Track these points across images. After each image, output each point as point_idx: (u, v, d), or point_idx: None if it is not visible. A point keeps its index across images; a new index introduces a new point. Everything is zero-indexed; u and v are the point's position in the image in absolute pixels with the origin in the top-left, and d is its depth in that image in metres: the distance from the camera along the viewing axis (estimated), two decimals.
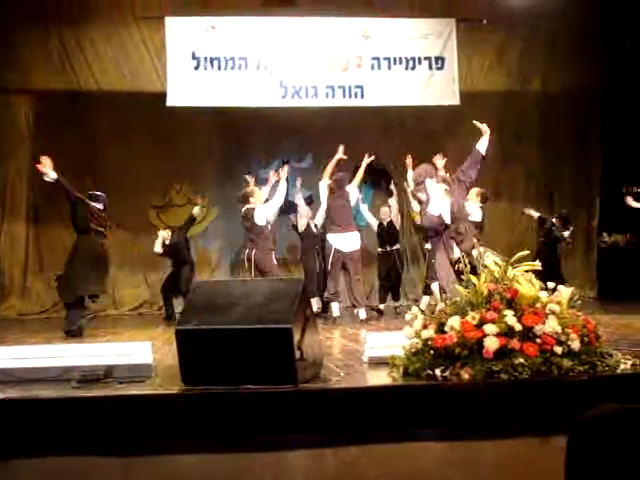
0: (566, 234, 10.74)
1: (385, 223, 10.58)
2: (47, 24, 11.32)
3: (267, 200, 9.09)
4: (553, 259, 10.50)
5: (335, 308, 9.14)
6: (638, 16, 11.19)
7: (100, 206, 8.20)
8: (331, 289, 9.27)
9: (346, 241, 9.13)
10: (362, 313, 9.02)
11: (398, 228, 10.83)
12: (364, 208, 10.72)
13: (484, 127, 8.15)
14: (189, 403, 3.73)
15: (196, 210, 10.47)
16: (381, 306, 10.51)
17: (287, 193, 9.61)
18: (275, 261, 8.98)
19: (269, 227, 9.00)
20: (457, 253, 7.89)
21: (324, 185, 9.41)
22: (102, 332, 8.06)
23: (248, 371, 3.77)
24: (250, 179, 9.99)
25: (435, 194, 8.47)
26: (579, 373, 3.82)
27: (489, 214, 9.86)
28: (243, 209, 9.07)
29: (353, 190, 9.48)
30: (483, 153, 8.18)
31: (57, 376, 4.15)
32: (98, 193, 8.40)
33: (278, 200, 9.08)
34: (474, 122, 8.38)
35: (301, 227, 10.40)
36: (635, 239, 9.64)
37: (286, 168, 9.39)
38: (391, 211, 10.62)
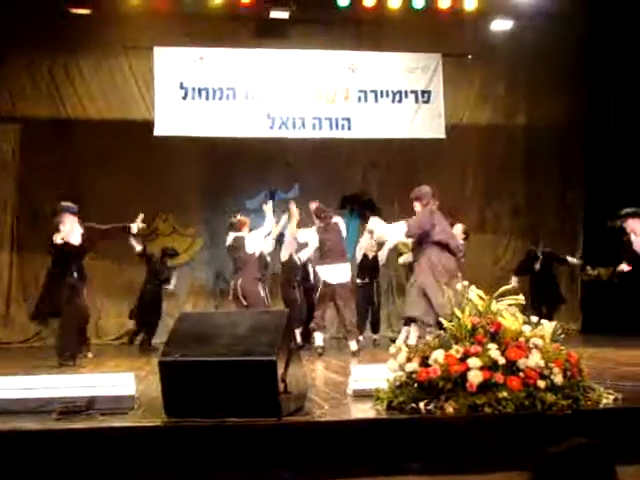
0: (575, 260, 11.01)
1: (370, 256, 10.62)
2: (36, 53, 11.38)
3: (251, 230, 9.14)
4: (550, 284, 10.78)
5: (319, 338, 9.03)
6: (620, 51, 11.36)
7: None
8: (317, 319, 9.16)
9: (336, 273, 9.04)
10: (353, 345, 8.85)
11: (383, 261, 10.84)
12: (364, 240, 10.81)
13: None
14: (172, 435, 3.71)
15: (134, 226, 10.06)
16: (360, 337, 10.52)
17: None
18: (262, 291, 8.93)
19: (256, 256, 8.99)
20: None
21: (306, 233, 9.32)
22: (85, 362, 7.98)
23: (232, 403, 3.76)
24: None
25: None
26: (562, 407, 3.83)
27: (474, 248, 9.93)
28: (231, 238, 9.05)
29: (341, 221, 9.36)
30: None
31: (38, 407, 4.10)
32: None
33: (265, 228, 9.10)
34: None
35: (283, 257, 10.40)
36: (618, 272, 9.70)
37: (270, 203, 9.38)
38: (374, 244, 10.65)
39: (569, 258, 11.30)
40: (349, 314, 9.00)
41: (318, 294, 9.10)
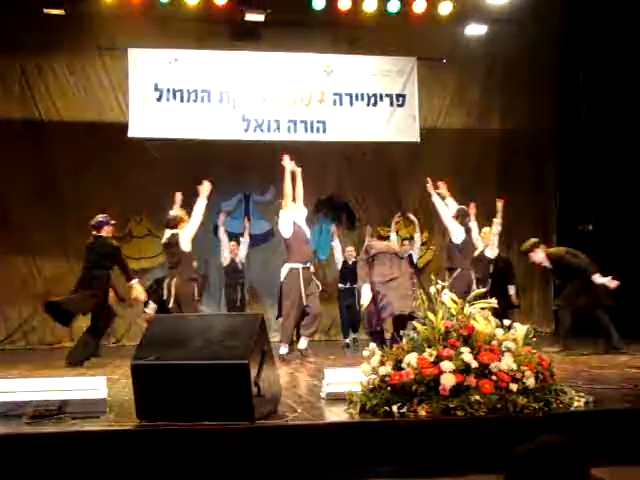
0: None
1: (350, 262, 10.70)
2: (8, 53, 11.24)
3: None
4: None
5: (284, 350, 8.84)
6: (593, 55, 11.47)
7: None
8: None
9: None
10: (302, 343, 8.64)
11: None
12: (336, 244, 10.87)
13: None
14: (144, 439, 3.69)
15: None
16: (346, 340, 10.74)
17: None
18: (197, 292, 8.63)
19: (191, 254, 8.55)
20: None
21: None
22: (58, 365, 7.92)
23: (204, 407, 3.75)
24: (179, 197, 8.99)
25: None
26: (534, 410, 3.86)
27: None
28: (167, 235, 8.55)
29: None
30: None
31: (9, 411, 4.07)
32: None
33: (195, 221, 8.45)
34: None
35: (224, 261, 10.69)
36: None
37: (206, 184, 8.60)
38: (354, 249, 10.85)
39: (510, 287, 10.70)
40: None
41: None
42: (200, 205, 8.45)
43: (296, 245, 8.55)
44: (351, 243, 11.49)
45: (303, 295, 8.40)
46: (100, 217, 8.47)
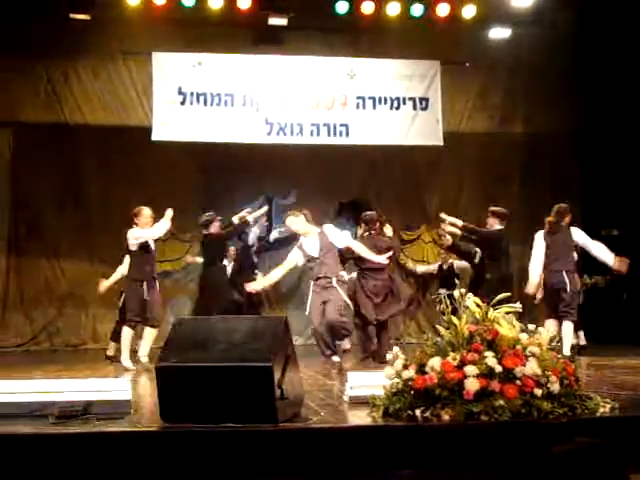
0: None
1: None
2: (34, 57, 11.36)
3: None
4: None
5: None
6: (617, 57, 11.38)
7: None
8: None
9: None
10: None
11: None
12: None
13: None
14: (167, 441, 3.70)
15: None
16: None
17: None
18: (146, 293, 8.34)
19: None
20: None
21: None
22: (82, 367, 7.98)
23: (228, 409, 3.75)
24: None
25: None
26: (558, 416, 3.83)
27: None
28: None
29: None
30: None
31: (35, 411, 4.10)
32: None
33: (152, 231, 8.43)
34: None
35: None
36: (615, 279, 9.68)
37: (169, 211, 8.48)
38: None
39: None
40: None
41: None
42: (163, 224, 8.44)
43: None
44: None
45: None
46: (205, 216, 9.30)
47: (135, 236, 8.31)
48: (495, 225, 9.02)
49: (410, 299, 9.52)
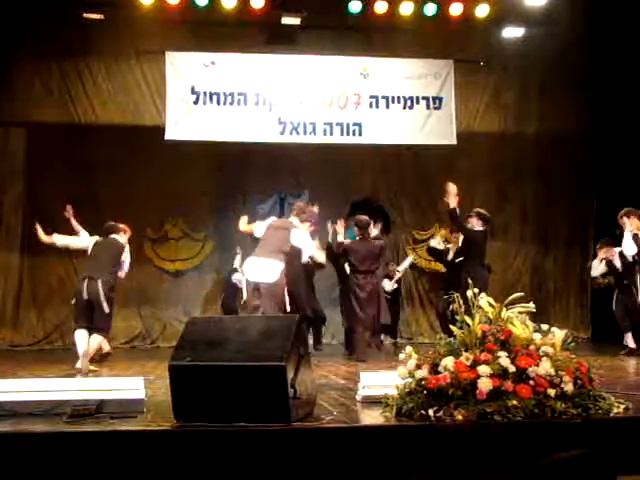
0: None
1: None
2: (48, 57, 11.44)
3: None
4: None
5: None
6: (629, 60, 11.34)
7: None
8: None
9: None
10: None
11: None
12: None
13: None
14: (181, 439, 3.72)
15: None
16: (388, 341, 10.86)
17: None
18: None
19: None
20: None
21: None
22: (95, 366, 8.01)
23: (241, 408, 3.76)
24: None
25: None
26: (572, 416, 3.82)
27: None
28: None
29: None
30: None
31: (48, 410, 4.13)
32: None
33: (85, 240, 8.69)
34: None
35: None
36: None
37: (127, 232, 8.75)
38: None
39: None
40: None
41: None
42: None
43: None
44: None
45: None
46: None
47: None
48: (476, 226, 9.04)
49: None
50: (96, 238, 8.52)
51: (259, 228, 8.44)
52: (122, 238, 8.55)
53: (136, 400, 4.26)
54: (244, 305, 8.47)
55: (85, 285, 7.96)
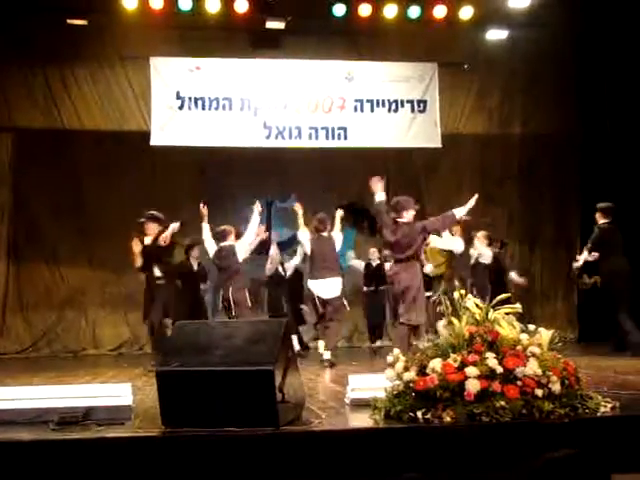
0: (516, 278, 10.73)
1: (374, 264, 10.70)
2: (32, 63, 11.36)
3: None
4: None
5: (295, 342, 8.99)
6: (615, 57, 11.39)
7: None
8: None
9: (327, 288, 8.99)
10: (327, 355, 8.70)
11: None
12: (349, 254, 10.88)
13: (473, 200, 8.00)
14: (169, 445, 3.70)
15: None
16: (377, 344, 10.77)
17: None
18: (248, 300, 8.81)
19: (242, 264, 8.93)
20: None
21: (305, 234, 9.26)
22: (82, 372, 7.98)
23: (229, 413, 3.76)
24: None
25: None
26: (560, 416, 3.83)
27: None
28: (216, 247, 8.96)
29: (338, 236, 9.27)
30: (457, 217, 8.04)
31: (35, 418, 4.10)
32: None
33: (249, 235, 8.96)
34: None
35: (269, 271, 10.37)
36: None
37: (258, 204, 9.13)
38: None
39: (512, 274, 10.64)
40: (333, 328, 9.04)
41: (316, 306, 9.08)
42: (254, 221, 8.97)
43: None
44: (370, 247, 11.51)
45: None
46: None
47: (244, 248, 8.92)
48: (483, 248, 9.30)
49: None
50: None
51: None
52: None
53: (123, 407, 4.25)
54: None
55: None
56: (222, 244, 8.88)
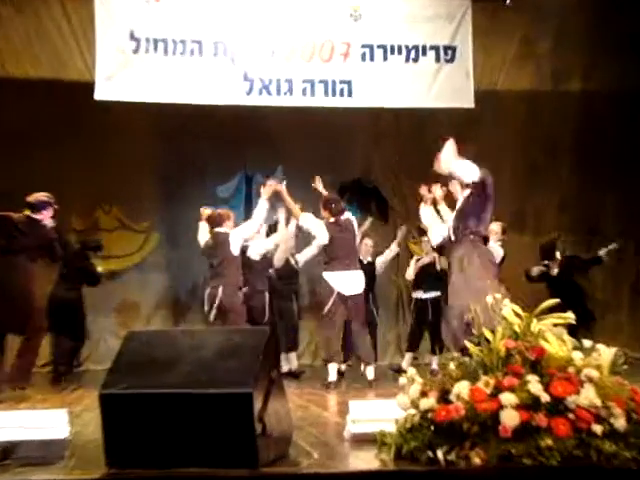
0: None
1: (365, 262, 10.68)
2: None
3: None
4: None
5: (332, 371, 9.02)
6: None
7: None
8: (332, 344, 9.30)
9: (351, 282, 9.14)
10: (370, 372, 8.97)
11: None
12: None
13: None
14: None
15: None
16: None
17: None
18: (240, 302, 9.02)
19: (239, 258, 9.15)
20: None
21: (311, 219, 9.42)
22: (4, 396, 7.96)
23: (195, 449, 3.77)
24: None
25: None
26: (625, 460, 3.83)
27: (509, 251, 9.95)
28: (207, 234, 9.21)
29: (354, 218, 9.66)
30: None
31: None
32: None
33: (250, 226, 9.22)
34: None
35: (278, 262, 10.43)
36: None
37: (269, 185, 9.37)
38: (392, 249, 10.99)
39: (600, 252, 11.01)
40: (365, 336, 9.30)
41: (328, 309, 9.11)
42: (261, 207, 9.22)
43: None
44: (381, 240, 11.53)
45: None
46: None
47: (241, 237, 9.24)
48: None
49: None
50: None
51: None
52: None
53: (56, 441, 4.25)
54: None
55: None
56: (216, 230, 9.12)
